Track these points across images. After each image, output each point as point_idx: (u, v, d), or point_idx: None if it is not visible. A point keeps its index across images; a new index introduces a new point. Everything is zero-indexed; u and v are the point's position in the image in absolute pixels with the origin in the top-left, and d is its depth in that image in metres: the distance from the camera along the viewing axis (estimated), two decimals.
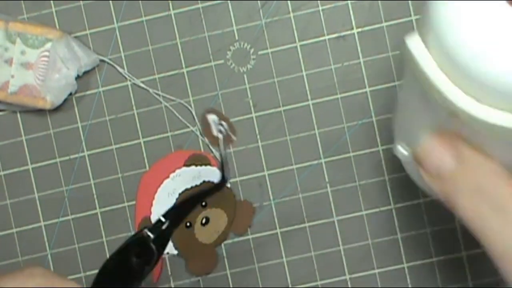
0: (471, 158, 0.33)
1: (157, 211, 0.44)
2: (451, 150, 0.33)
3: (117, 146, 0.46)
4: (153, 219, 0.43)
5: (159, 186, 0.45)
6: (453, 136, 0.33)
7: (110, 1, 0.46)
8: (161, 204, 0.44)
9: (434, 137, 0.33)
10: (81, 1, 0.46)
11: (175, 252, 0.45)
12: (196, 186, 0.45)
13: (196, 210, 0.43)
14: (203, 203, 0.45)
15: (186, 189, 0.45)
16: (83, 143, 0.46)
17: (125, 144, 0.46)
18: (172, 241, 0.45)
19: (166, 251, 0.43)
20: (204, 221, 0.45)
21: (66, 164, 0.46)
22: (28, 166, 0.46)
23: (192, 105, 0.46)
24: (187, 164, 0.45)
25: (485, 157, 0.33)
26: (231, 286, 0.45)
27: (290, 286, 0.45)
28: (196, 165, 0.45)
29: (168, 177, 0.45)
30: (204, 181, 0.45)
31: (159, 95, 0.45)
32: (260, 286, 0.45)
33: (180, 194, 0.45)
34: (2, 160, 0.46)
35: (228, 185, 0.45)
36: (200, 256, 0.45)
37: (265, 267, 0.45)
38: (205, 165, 0.45)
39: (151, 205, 0.44)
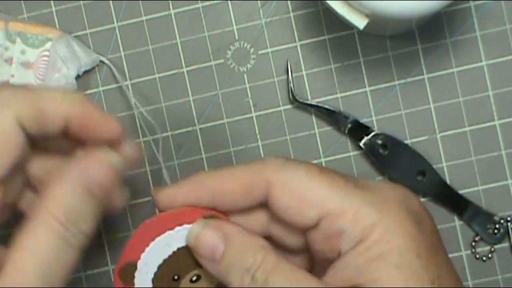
0: (237, 237, 0.34)
1: (148, 258, 0.37)
2: (217, 232, 0.34)
3: None
4: (140, 265, 0.39)
5: (159, 235, 0.38)
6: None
7: (110, 1, 0.46)
8: (154, 252, 0.38)
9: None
10: (81, 1, 0.46)
11: None
12: None
13: (191, 265, 0.37)
14: None
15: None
16: None
17: None
18: None
19: None
20: (194, 278, 0.38)
21: None
22: None
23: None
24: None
25: (250, 234, 0.34)
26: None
27: None
28: None
29: (173, 229, 0.38)
30: None
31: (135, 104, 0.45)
32: None
33: (178, 249, 0.38)
34: None
35: None
36: None
37: None
38: None
39: (143, 250, 0.38)
